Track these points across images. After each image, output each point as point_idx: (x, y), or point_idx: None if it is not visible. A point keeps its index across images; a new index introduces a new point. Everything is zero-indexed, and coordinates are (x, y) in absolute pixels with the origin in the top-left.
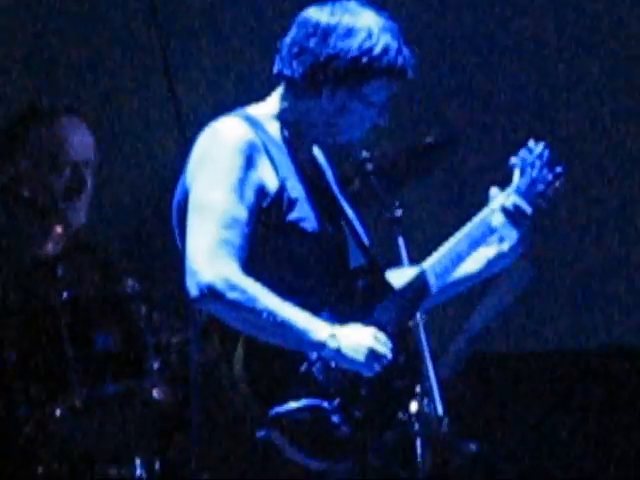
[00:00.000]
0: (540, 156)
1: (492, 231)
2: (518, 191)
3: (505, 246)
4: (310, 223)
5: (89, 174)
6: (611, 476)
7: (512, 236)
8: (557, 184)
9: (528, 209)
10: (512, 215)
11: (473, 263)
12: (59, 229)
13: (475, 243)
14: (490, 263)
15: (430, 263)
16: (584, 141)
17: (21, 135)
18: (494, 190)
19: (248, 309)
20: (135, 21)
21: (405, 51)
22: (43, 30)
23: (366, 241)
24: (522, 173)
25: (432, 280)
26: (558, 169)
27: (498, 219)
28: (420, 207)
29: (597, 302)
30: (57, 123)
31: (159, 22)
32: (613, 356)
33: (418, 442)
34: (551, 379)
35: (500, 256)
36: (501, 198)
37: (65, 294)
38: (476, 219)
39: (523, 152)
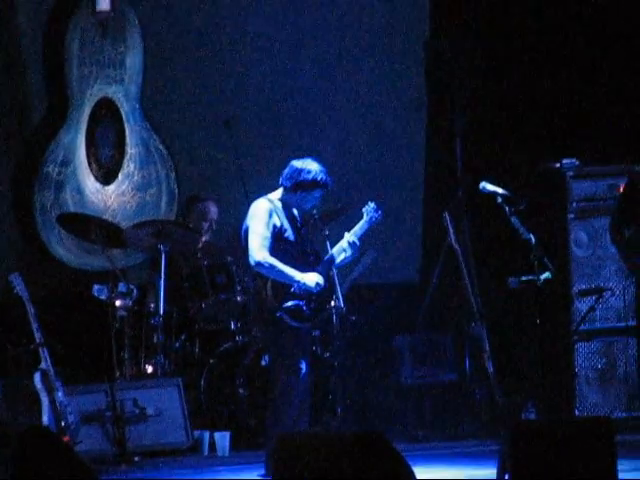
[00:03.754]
0: (374, 207)
1: (344, 249)
2: (357, 232)
3: (348, 254)
4: (292, 237)
5: (214, 223)
6: None
7: (349, 252)
8: (379, 217)
9: (357, 242)
10: (350, 244)
11: (340, 258)
12: (201, 241)
13: (339, 252)
14: (342, 260)
15: (333, 251)
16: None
17: (190, 206)
18: (346, 233)
19: (273, 270)
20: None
21: (329, 178)
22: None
23: (311, 243)
24: (367, 214)
25: (335, 258)
26: (380, 211)
27: (344, 244)
28: (334, 231)
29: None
30: (204, 203)
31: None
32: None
33: (334, 317)
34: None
35: (346, 258)
36: (347, 236)
37: (205, 262)
38: (339, 243)
39: (366, 206)
